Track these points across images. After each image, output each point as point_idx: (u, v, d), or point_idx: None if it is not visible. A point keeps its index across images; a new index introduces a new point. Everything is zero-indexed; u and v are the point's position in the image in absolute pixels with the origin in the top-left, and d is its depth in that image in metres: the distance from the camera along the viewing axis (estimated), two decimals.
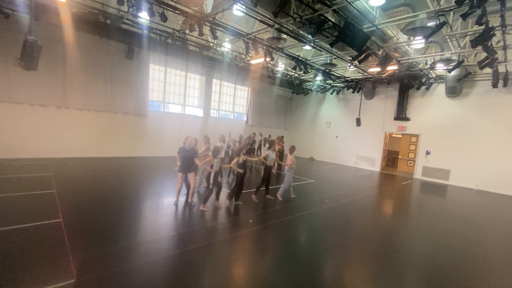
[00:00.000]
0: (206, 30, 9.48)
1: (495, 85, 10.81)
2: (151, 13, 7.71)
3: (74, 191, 6.71)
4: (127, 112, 12.72)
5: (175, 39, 11.03)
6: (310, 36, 9.01)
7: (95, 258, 3.70)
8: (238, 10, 8.10)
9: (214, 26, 9.00)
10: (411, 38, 9.11)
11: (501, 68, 10.63)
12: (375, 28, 8.31)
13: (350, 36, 7.39)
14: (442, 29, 7.27)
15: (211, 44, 12.10)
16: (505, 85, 11.20)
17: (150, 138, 13.66)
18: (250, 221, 5.68)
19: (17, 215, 4.86)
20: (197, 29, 8.70)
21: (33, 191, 6.29)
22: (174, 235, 4.72)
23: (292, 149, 7.62)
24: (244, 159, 6.50)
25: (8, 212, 5.01)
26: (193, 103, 15.91)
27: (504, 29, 7.34)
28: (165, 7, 8.04)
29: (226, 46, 12.48)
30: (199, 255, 4.07)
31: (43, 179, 7.38)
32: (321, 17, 7.37)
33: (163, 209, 6.12)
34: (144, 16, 8.90)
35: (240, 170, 6.34)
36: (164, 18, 8.10)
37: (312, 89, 19.02)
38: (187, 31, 10.12)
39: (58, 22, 8.85)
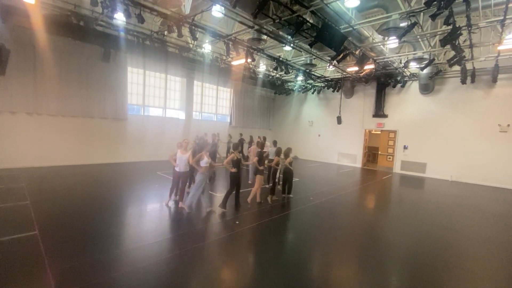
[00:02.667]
0: (186, 31, 9.36)
1: (463, 82, 11.49)
2: (128, 15, 7.49)
3: (50, 201, 6.38)
4: (105, 116, 12.26)
5: (154, 40, 10.80)
6: (289, 37, 9.15)
7: (76, 269, 3.54)
8: (217, 11, 8.07)
9: (194, 27, 8.90)
10: (386, 38, 9.49)
11: (469, 66, 11.32)
12: (351, 28, 8.58)
13: (328, 37, 7.57)
14: (414, 29, 7.63)
15: (191, 46, 11.96)
16: (472, 81, 11.91)
17: (131, 143, 13.25)
18: (237, 222, 5.67)
19: None
20: (176, 31, 8.56)
21: (4, 204, 5.92)
22: (159, 240, 4.61)
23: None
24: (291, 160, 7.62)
25: None
26: (175, 106, 15.63)
27: (470, 28, 7.84)
28: (142, 8, 7.84)
29: (207, 47, 12.38)
30: (184, 260, 4.01)
31: (15, 191, 6.96)
32: (300, 18, 7.50)
33: (146, 215, 5.98)
34: (120, 18, 8.64)
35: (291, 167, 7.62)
36: (141, 20, 7.88)
37: (294, 89, 19.29)
38: (165, 33, 9.95)
39: (27, 24, 8.40)
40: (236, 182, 6.34)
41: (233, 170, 6.23)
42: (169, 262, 3.91)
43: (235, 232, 5.18)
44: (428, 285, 3.74)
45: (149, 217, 5.90)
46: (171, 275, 3.59)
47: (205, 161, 5.93)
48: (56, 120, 10.93)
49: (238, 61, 12.36)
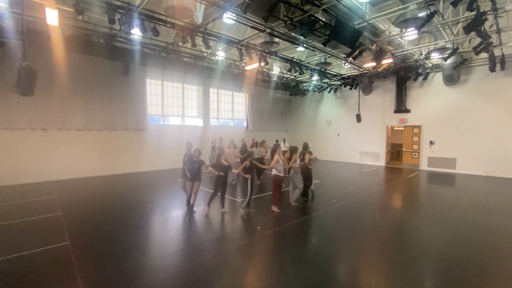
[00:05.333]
0: (199, 40, 9.54)
1: (492, 69, 10.75)
2: (143, 29, 7.77)
3: (79, 212, 6.69)
4: (127, 128, 12.77)
5: (169, 52, 11.11)
6: (302, 37, 9.03)
7: (105, 278, 3.65)
8: (228, 18, 8.16)
9: (206, 36, 9.06)
10: (403, 30, 9.09)
11: (497, 52, 10.58)
12: (366, 23, 8.32)
13: (342, 34, 7.39)
14: (434, 18, 7.24)
15: (205, 54, 12.18)
16: (502, 68, 11.11)
17: (152, 152, 13.66)
18: (258, 227, 5.61)
19: (25, 241, 4.84)
20: (190, 41, 8.75)
21: (38, 216, 6.27)
22: (184, 247, 4.66)
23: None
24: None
25: (15, 238, 5.00)
26: (192, 114, 15.96)
27: (496, 12, 7.33)
28: (156, 21, 8.11)
29: (220, 55, 12.56)
30: (210, 265, 4.01)
31: (48, 203, 7.38)
32: (312, 17, 7.39)
33: (170, 223, 6.07)
34: (136, 33, 8.98)
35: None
36: (156, 33, 8.15)
37: (309, 89, 19.04)
38: (180, 43, 10.20)
39: (52, 46, 8.97)
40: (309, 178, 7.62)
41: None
42: (197, 268, 3.93)
43: (257, 238, 5.12)
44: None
45: (174, 224, 5.99)
46: (198, 280, 3.59)
47: (297, 162, 7.11)
48: (83, 134, 11.54)
49: (252, 66, 12.41)
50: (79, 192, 8.79)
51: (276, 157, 6.50)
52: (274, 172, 6.56)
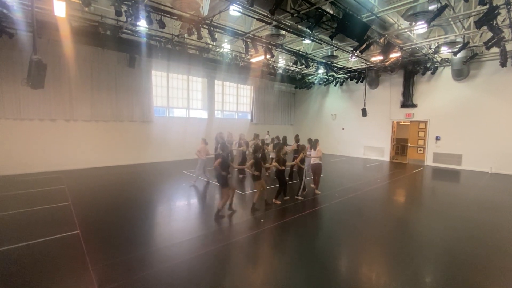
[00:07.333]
0: (205, 32, 9.50)
1: (503, 64, 10.50)
2: (149, 21, 7.76)
3: (88, 201, 6.88)
4: (133, 119, 12.91)
5: (175, 44, 11.07)
6: (309, 30, 8.92)
7: (115, 266, 3.80)
8: (234, 10, 8.08)
9: (212, 28, 9.01)
10: (413, 23, 8.91)
11: (509, 47, 10.33)
12: (374, 16, 8.18)
13: (349, 27, 7.28)
14: (445, 11, 7.08)
15: (211, 46, 12.12)
16: None
17: (157, 143, 13.82)
18: (262, 220, 5.72)
19: (36, 230, 5.02)
20: (196, 33, 8.72)
21: (49, 205, 6.47)
22: (191, 238, 4.80)
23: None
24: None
25: (27, 227, 5.18)
26: (197, 106, 16.01)
27: (509, 7, 7.15)
28: (162, 13, 8.08)
29: (226, 47, 12.48)
30: (216, 257, 4.14)
31: (58, 192, 7.59)
32: (319, 10, 7.29)
33: (177, 214, 6.22)
34: (142, 24, 8.95)
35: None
36: (162, 25, 8.13)
37: (315, 82, 18.87)
38: (186, 35, 10.16)
39: (60, 37, 9.01)
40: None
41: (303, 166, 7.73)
42: (203, 258, 4.06)
43: (260, 231, 5.23)
44: (466, 286, 3.52)
45: (181, 215, 6.14)
46: (205, 271, 3.72)
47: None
48: (90, 125, 11.71)
49: (257, 58, 12.32)
50: (87, 182, 8.99)
51: (318, 148, 7.80)
52: (317, 161, 7.77)
